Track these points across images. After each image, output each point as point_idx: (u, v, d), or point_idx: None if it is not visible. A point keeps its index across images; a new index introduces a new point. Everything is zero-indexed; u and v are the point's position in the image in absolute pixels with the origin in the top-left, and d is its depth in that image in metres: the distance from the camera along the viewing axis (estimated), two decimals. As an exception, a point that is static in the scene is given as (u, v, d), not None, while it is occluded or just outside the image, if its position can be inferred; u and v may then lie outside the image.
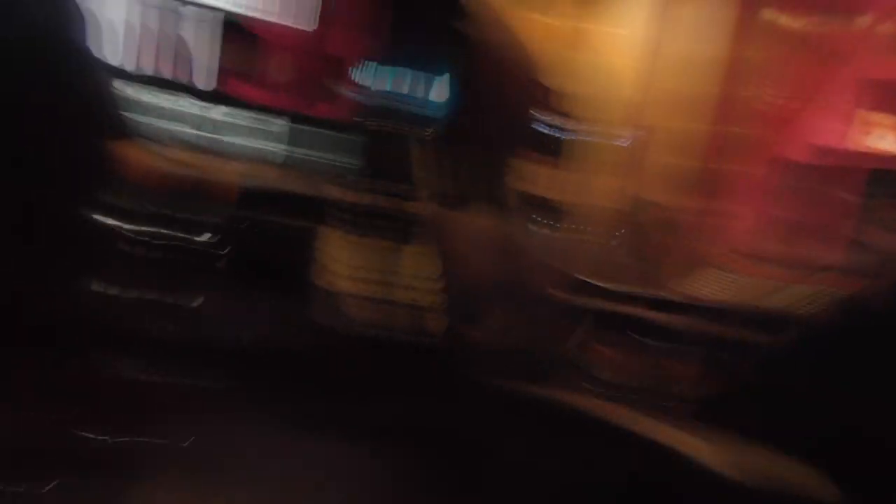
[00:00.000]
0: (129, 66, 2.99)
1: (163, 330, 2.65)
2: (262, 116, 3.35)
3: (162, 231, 2.66)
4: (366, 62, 3.26)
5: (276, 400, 2.62)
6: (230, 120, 3.28)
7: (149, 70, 3.06)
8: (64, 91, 1.65)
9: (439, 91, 3.13)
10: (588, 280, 2.79)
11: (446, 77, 3.05)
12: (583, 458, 1.90)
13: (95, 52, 1.78)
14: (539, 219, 2.97)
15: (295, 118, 3.39)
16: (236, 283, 2.85)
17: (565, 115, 3.14)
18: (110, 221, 2.25)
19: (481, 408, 2.17)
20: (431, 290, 2.73)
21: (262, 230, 2.94)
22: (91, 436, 2.23)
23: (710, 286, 2.96)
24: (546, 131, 3.09)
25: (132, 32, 3.05)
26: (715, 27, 3.25)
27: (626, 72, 3.49)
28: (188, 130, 3.04)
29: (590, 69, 3.40)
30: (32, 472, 1.98)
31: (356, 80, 3.31)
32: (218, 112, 3.24)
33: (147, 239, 2.60)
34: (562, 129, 3.15)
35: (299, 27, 3.44)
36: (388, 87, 3.31)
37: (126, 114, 1.96)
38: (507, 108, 2.41)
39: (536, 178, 3.02)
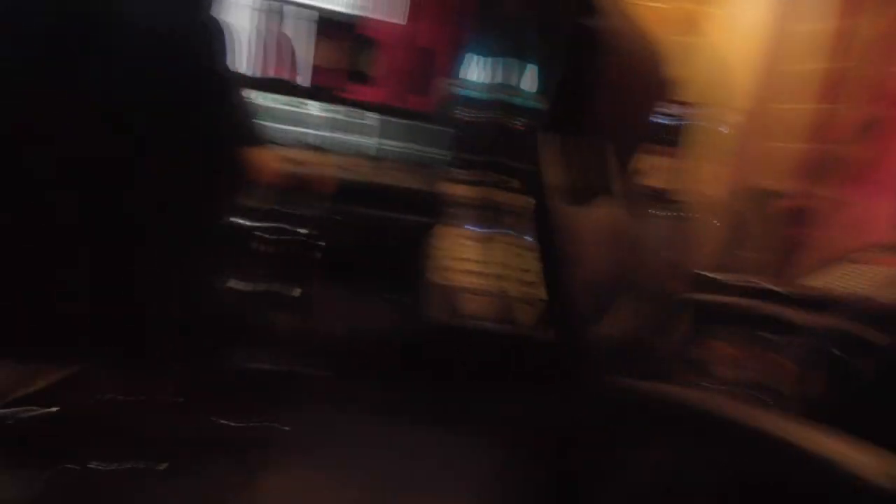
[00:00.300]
0: (250, 72, 3.14)
1: (282, 322, 2.77)
2: (367, 113, 3.42)
3: (281, 227, 2.77)
4: (468, 54, 3.25)
5: (387, 392, 2.70)
6: (333, 116, 3.38)
7: (261, 73, 3.20)
8: (206, 105, 1.76)
9: (545, 80, 3.09)
10: (709, 273, 2.69)
11: (551, 65, 3.00)
12: (703, 456, 1.85)
13: (230, 64, 1.87)
14: (658, 211, 2.89)
15: (393, 112, 3.44)
16: (351, 277, 2.94)
17: (682, 102, 3.03)
18: (241, 221, 2.37)
19: (598, 404, 2.14)
20: (534, 270, 2.71)
21: (373, 224, 3.01)
22: (227, 423, 2.38)
23: (840, 279, 2.80)
24: (664, 120, 3.00)
25: (248, 39, 3.20)
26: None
27: (743, 54, 3.33)
28: (300, 130, 3.16)
29: (704, 53, 3.26)
30: (173, 454, 2.14)
31: (457, 73, 3.32)
32: (322, 110, 3.34)
33: (269, 236, 2.72)
34: (679, 117, 3.05)
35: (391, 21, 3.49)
36: (490, 78, 3.29)
37: (256, 121, 2.04)
38: (626, 95, 2.34)
39: (655, 168, 2.94)
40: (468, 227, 2.99)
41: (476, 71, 3.26)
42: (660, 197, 2.94)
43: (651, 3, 3.22)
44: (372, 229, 3.01)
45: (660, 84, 2.55)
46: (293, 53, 3.38)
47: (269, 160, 2.01)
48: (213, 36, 1.74)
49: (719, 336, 2.70)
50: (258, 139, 1.97)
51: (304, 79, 3.47)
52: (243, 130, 1.92)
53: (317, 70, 3.44)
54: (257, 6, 3.32)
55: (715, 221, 3.06)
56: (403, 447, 2.48)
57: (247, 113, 1.96)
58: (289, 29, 3.44)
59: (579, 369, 2.26)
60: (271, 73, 3.34)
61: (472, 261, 2.89)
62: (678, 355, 2.57)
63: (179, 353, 2.08)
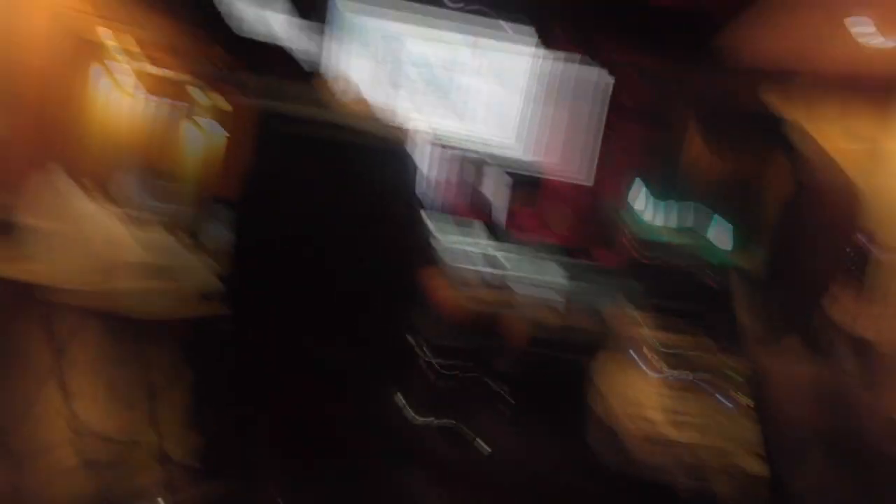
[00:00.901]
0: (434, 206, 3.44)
1: (448, 452, 2.80)
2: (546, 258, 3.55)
3: (454, 361, 2.87)
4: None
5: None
6: (517, 258, 3.52)
7: (448, 209, 3.49)
8: (398, 229, 1.96)
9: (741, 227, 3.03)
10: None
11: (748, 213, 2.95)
12: None
13: (418, 195, 2.09)
14: (853, 354, 2.62)
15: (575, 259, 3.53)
16: (521, 414, 2.94)
17: (874, 240, 2.81)
18: (417, 345, 2.50)
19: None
20: (732, 435, 2.53)
21: (547, 363, 3.01)
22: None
23: None
24: (859, 261, 2.79)
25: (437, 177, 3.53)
26: None
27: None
28: (482, 268, 3.30)
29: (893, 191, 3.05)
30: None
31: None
32: (506, 252, 3.50)
33: (440, 365, 2.83)
34: (870, 256, 2.81)
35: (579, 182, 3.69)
36: (681, 223, 3.30)
37: (435, 247, 2.22)
38: (823, 239, 2.25)
39: (848, 307, 2.70)
40: (651, 372, 2.88)
41: (666, 217, 3.29)
42: (855, 338, 2.67)
43: (843, 146, 3.10)
44: (553, 369, 3.01)
45: (853, 225, 2.42)
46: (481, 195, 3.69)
47: (445, 287, 2.16)
48: (405, 164, 1.98)
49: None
50: (435, 261, 2.13)
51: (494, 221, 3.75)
52: (422, 252, 2.09)
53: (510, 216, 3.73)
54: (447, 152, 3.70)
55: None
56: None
57: (426, 235, 2.14)
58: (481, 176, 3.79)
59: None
60: (458, 210, 3.64)
61: (653, 408, 2.76)
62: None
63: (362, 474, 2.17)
